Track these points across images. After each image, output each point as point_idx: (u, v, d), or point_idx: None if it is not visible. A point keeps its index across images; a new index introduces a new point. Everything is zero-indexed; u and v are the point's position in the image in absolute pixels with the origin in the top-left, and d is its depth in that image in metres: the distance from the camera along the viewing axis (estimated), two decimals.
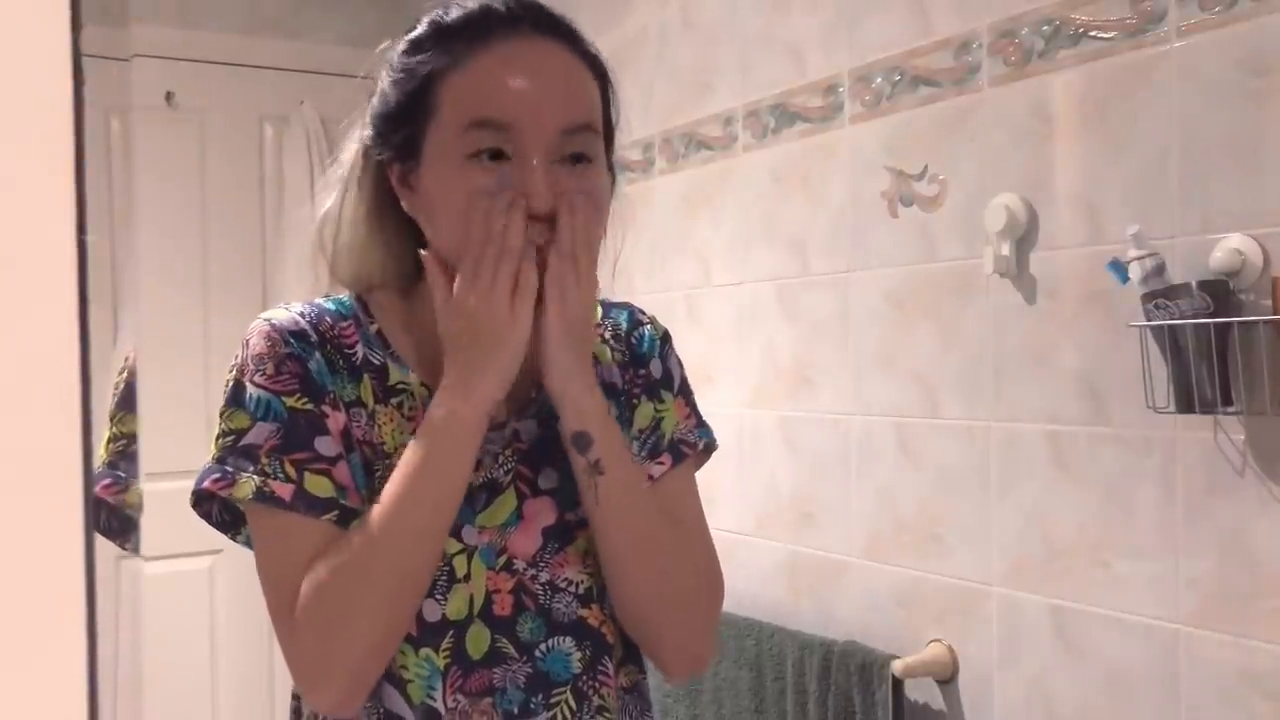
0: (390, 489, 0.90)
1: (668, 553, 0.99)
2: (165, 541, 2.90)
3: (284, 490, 0.89)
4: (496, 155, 0.89)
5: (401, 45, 0.96)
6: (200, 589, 3.04)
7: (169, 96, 3.01)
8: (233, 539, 0.98)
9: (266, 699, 3.06)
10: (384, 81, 0.97)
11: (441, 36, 0.93)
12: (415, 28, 0.97)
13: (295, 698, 1.00)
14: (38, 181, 0.32)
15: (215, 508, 0.96)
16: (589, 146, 0.92)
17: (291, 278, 3.03)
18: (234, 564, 3.02)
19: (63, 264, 0.32)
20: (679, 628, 1.01)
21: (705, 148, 2.24)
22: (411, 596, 0.91)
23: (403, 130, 0.93)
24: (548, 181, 0.89)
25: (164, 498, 2.86)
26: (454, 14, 0.94)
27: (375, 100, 0.97)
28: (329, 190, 1.01)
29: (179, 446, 3.06)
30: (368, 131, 0.97)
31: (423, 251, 0.94)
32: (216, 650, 3.05)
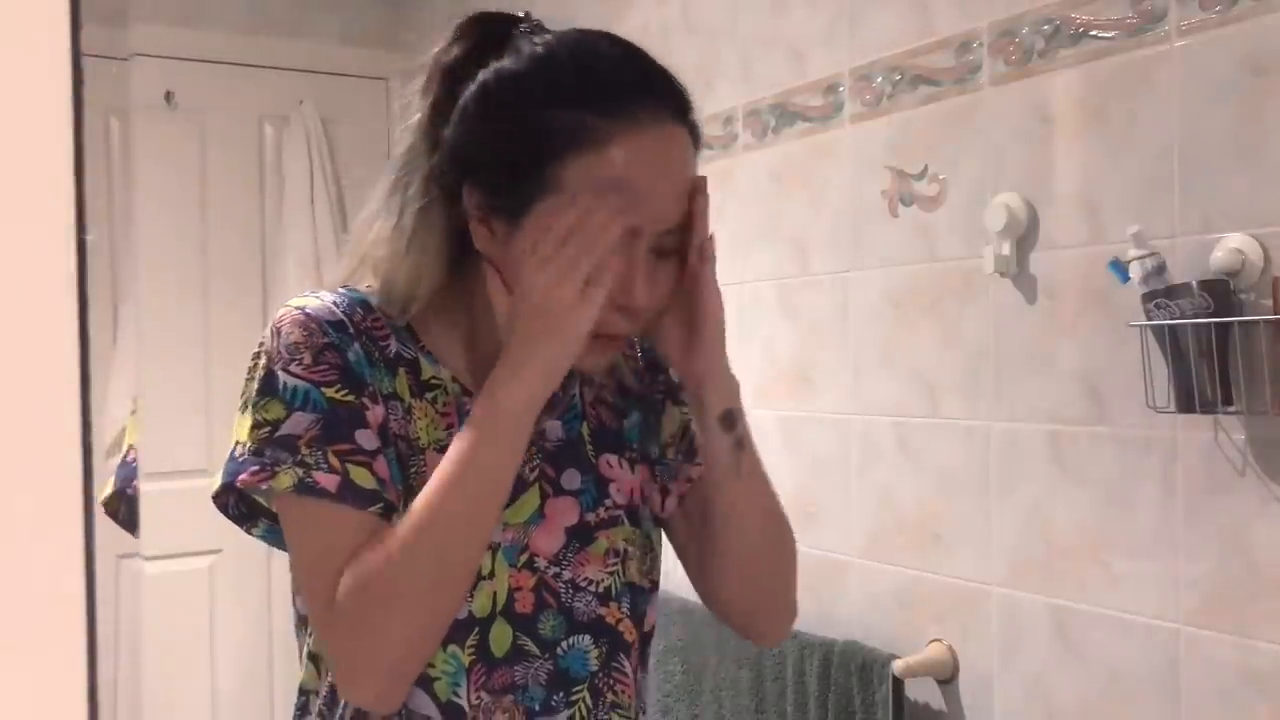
0: (436, 479, 0.87)
1: (782, 518, 1.06)
2: (165, 541, 2.90)
3: (328, 481, 0.86)
4: None
5: (500, 73, 0.89)
6: (200, 589, 3.04)
7: (169, 96, 3.01)
8: (248, 531, 0.95)
9: (266, 699, 3.06)
10: (477, 109, 0.89)
11: (561, 91, 0.87)
12: (513, 53, 0.90)
13: (302, 693, 0.99)
14: (38, 181, 0.32)
15: (232, 499, 0.93)
16: (680, 242, 0.93)
17: (291, 277, 3.03)
18: (234, 564, 3.03)
19: (63, 264, 0.32)
20: (789, 589, 1.09)
21: (705, 147, 2.23)
22: (456, 588, 0.88)
23: (507, 190, 0.88)
24: (648, 280, 0.90)
25: (164, 497, 2.87)
26: (566, 59, 0.89)
27: (470, 134, 0.90)
28: (381, 201, 0.94)
29: (179, 446, 3.06)
30: (448, 161, 0.90)
31: (486, 264, 0.90)
32: (216, 650, 3.05)
